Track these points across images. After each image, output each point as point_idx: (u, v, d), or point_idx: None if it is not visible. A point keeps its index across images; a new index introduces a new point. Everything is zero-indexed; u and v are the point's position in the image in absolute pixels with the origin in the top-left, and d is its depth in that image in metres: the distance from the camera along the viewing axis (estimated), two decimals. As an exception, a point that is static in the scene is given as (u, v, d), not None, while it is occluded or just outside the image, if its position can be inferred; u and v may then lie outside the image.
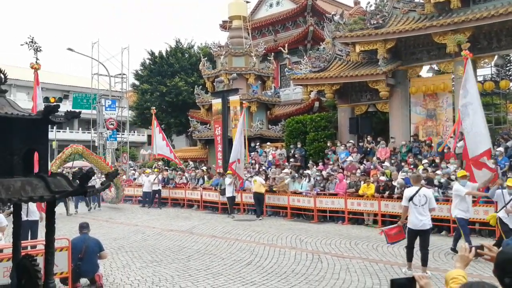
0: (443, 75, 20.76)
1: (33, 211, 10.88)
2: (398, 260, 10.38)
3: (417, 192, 9.11)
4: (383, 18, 20.55)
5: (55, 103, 3.22)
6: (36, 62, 12.85)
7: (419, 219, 8.95)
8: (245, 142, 21.34)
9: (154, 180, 23.01)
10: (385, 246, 11.81)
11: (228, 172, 19.85)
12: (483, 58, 19.20)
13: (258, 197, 18.27)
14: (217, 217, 18.74)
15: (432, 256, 10.66)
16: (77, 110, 3.16)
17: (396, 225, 9.88)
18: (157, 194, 23.17)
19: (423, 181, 14.34)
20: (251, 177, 19.67)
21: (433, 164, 16.38)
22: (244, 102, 23.64)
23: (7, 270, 6.62)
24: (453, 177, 14.56)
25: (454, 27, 17.98)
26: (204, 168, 25.02)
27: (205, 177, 23.10)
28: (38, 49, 12.29)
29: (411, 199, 9.06)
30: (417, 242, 9.21)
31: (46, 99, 24.56)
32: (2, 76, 3.03)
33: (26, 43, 12.16)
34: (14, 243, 3.12)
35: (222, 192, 20.29)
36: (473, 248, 3.13)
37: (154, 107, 30.12)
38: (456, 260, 3.16)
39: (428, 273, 8.65)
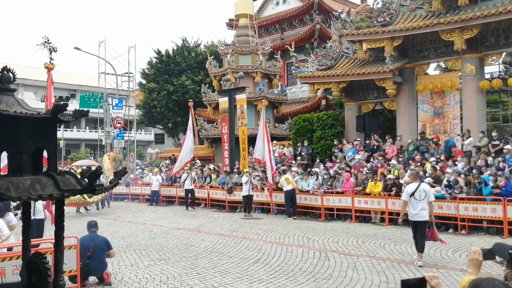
0: (450, 73, 20.69)
1: (38, 210, 10.95)
2: (406, 258, 10.37)
3: (417, 188, 9.95)
4: (390, 15, 20.48)
5: (63, 102, 3.24)
6: (50, 62, 12.89)
7: (419, 212, 9.80)
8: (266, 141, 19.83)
9: (186, 179, 21.89)
10: (392, 244, 11.81)
11: (245, 170, 19.64)
12: (491, 55, 19.10)
13: (292, 194, 17.71)
14: (224, 216, 18.76)
15: (440, 254, 10.65)
16: (85, 109, 3.17)
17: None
18: (190, 194, 21.66)
19: (430, 179, 14.34)
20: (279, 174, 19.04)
21: (438, 162, 16.27)
22: (263, 101, 23.31)
23: (16, 268, 6.67)
24: (462, 176, 14.48)
25: (462, 25, 17.88)
26: (211, 166, 25.03)
27: (212, 175, 23.13)
28: (54, 49, 12.31)
29: (412, 194, 9.87)
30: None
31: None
32: (11, 75, 3.05)
33: (42, 43, 12.17)
34: (23, 241, 3.15)
35: (229, 191, 20.32)
36: (480, 250, 3.11)
37: (191, 99, 27.61)
38: (467, 266, 3.12)
39: (421, 261, 9.67)
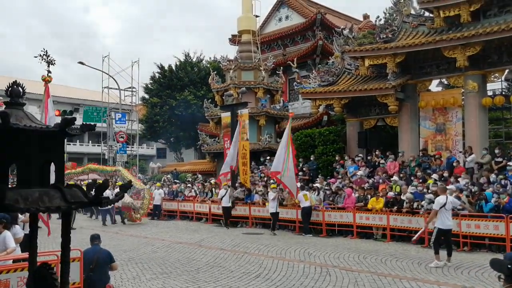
0: (452, 90, 20.74)
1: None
2: (407, 274, 10.35)
3: (447, 199, 11.42)
4: (392, 32, 20.62)
5: (71, 116, 3.30)
6: (48, 74, 12.94)
7: (449, 221, 11.41)
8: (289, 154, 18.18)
9: (224, 195, 20.01)
10: (393, 260, 11.79)
11: (272, 186, 18.92)
12: (494, 72, 19.20)
13: (309, 211, 17.24)
14: (226, 230, 18.73)
15: (442, 270, 10.63)
16: (92, 123, 3.24)
17: None
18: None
19: (432, 196, 14.35)
20: (281, 189, 18.38)
21: (442, 179, 16.26)
22: (290, 112, 22.78)
23: (21, 279, 6.70)
24: (465, 193, 14.44)
25: (464, 41, 17.98)
26: (213, 181, 25.00)
27: (214, 190, 23.05)
28: (52, 62, 12.40)
29: (443, 205, 11.27)
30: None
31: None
32: (20, 90, 3.11)
33: (40, 55, 12.27)
34: (30, 252, 3.19)
35: (231, 205, 20.22)
36: None
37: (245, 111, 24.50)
38: None
39: (449, 263, 11.13)
